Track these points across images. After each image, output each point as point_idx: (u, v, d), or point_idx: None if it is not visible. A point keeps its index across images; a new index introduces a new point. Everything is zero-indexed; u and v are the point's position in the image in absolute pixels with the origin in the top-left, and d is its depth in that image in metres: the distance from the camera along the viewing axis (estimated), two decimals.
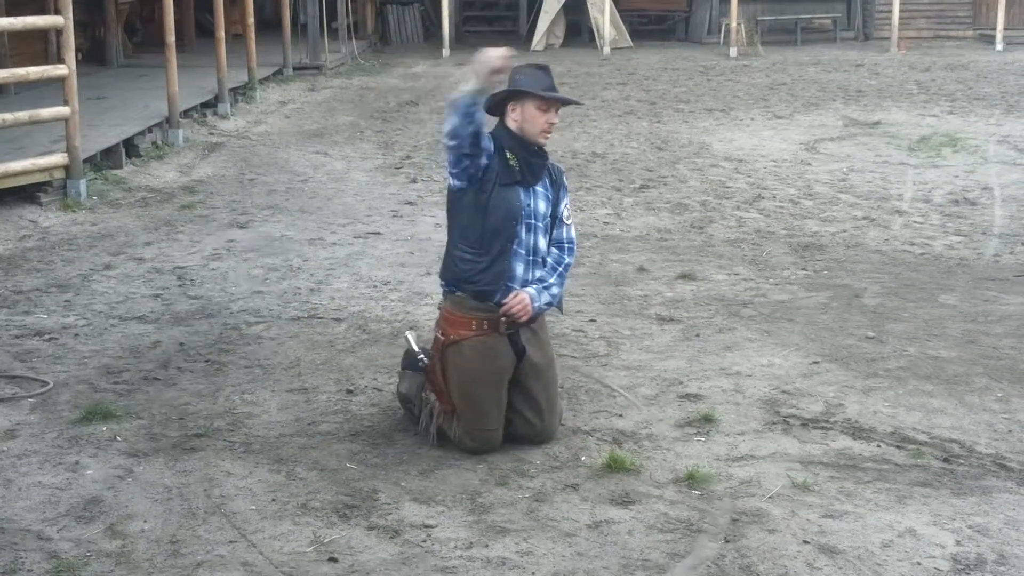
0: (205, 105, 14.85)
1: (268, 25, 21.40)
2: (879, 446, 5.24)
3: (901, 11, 22.73)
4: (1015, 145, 13.02)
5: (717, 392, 5.89)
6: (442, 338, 5.17)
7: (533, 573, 4.18)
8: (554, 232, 5.31)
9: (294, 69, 19.39)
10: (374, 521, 4.54)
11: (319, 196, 10.79)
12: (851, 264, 8.40)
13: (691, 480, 4.88)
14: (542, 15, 24.14)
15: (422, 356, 5.30)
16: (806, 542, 4.38)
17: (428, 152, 12.97)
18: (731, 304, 7.42)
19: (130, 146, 12.00)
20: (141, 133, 12.35)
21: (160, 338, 6.76)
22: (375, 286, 7.83)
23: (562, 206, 5.31)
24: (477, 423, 5.13)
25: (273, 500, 4.72)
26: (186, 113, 13.90)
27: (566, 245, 5.37)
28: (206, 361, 6.38)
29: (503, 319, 5.11)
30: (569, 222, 5.39)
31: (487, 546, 4.35)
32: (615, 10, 23.65)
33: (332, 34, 21.06)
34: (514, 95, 5.11)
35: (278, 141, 13.73)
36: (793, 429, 5.43)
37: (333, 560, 4.25)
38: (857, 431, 5.40)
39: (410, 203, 10.48)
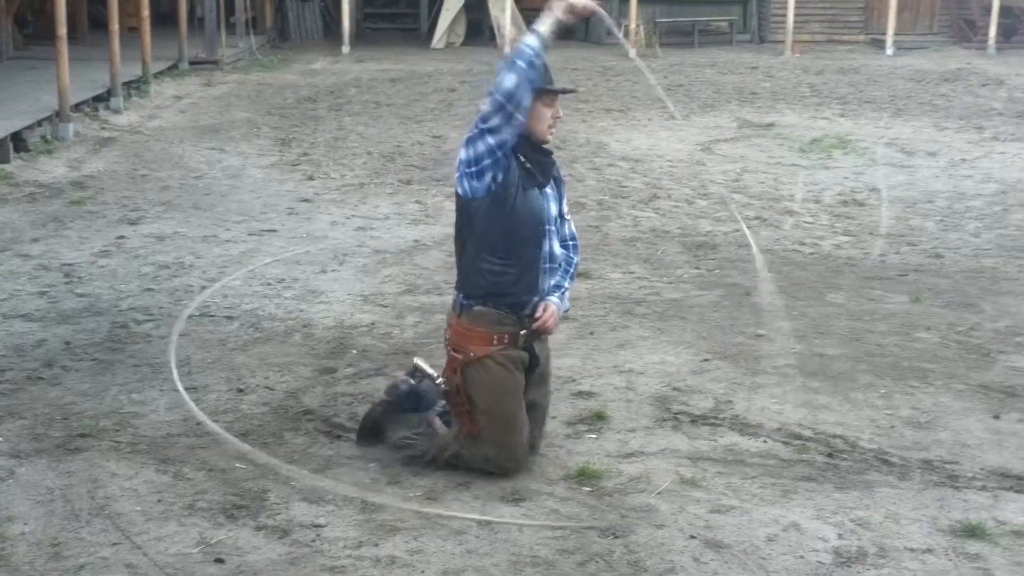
0: (97, 99, 14.56)
1: (164, 18, 21.03)
2: (765, 442, 5.33)
3: (795, 15, 23.15)
4: (902, 148, 13.34)
5: (610, 389, 5.94)
6: (460, 356, 4.84)
7: (423, 571, 4.18)
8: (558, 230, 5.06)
9: (190, 64, 19.09)
10: (263, 521, 4.50)
11: (213, 193, 10.64)
12: (742, 263, 8.53)
13: (582, 477, 4.92)
14: (443, 13, 24.11)
15: (441, 380, 4.94)
16: (693, 537, 4.44)
17: (326, 149, 12.87)
18: (625, 302, 7.49)
19: (18, 140, 11.72)
20: (30, 127, 12.07)
21: (45, 336, 6.61)
22: (269, 284, 7.75)
23: (564, 202, 5.07)
24: (507, 439, 4.84)
25: (159, 501, 4.65)
26: (77, 107, 13.61)
27: (570, 243, 5.12)
28: (93, 360, 6.25)
29: (523, 333, 4.87)
30: (569, 217, 5.15)
31: (377, 545, 4.34)
32: (516, 9, 23.72)
33: (230, 29, 20.80)
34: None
35: (172, 136, 13.51)
36: (683, 426, 5.50)
37: (220, 561, 4.20)
38: (744, 427, 5.49)
39: (307, 200, 10.39)
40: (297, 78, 18.97)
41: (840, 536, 4.47)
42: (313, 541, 4.36)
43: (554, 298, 4.95)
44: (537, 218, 4.81)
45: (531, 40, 4.52)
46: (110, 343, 6.52)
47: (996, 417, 5.65)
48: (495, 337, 4.82)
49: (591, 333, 6.85)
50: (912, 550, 4.36)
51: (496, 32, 23.47)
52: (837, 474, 5.01)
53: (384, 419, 5.12)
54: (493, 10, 23.70)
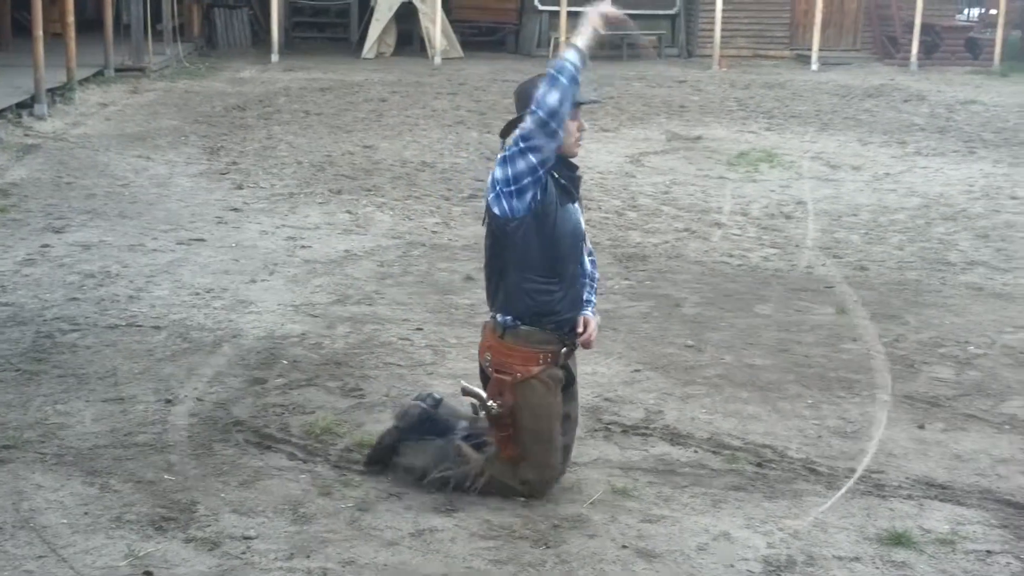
0: (21, 106, 14.30)
1: (89, 25, 20.73)
2: (696, 451, 5.38)
3: (722, 30, 23.41)
4: (828, 161, 13.54)
5: None
6: (508, 378, 4.73)
7: None
8: None
9: (116, 71, 18.83)
10: (192, 533, 4.44)
11: (140, 201, 10.51)
12: (672, 274, 8.60)
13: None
14: (373, 23, 24.04)
15: (492, 403, 4.75)
16: (625, 546, 4.47)
17: (255, 158, 12.77)
18: None
19: None
20: None
21: None
22: (197, 294, 7.67)
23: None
24: (547, 459, 4.79)
25: (86, 513, 4.57)
26: (0, 114, 13.36)
27: (592, 257, 5.08)
28: (17, 370, 6.14)
29: (564, 351, 4.83)
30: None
31: (308, 556, 4.30)
32: (446, 20, 23.73)
33: (156, 36, 20.55)
34: None
35: (98, 144, 13.32)
36: (614, 436, 5.53)
37: (148, 574, 4.14)
38: (675, 437, 5.53)
39: (236, 209, 10.29)
40: (225, 86, 18.80)
41: (770, 545, 4.52)
42: (243, 553, 4.32)
43: (589, 312, 4.91)
44: (576, 234, 4.78)
45: (571, 55, 4.43)
46: (34, 353, 6.41)
47: (921, 427, 5.75)
48: (541, 356, 4.75)
49: None
50: (840, 558, 4.42)
51: (426, 43, 23.46)
52: (766, 483, 5.07)
53: (400, 446, 5.00)
54: (423, 21, 23.68)
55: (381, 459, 5.03)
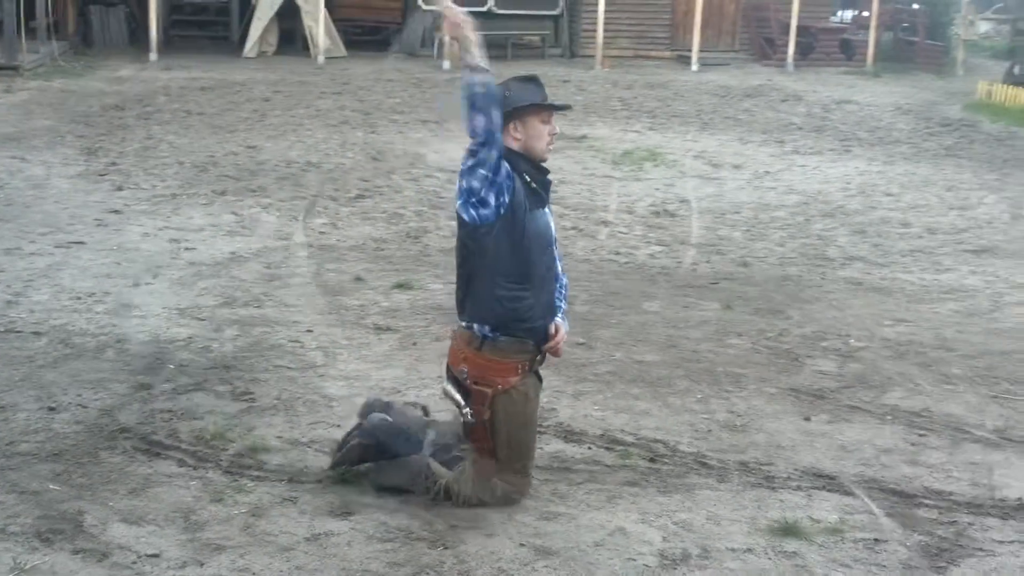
0: None
1: None
2: (590, 448, 5.42)
3: (605, 31, 23.61)
4: (710, 160, 13.76)
5: (435, 401, 5.91)
6: (489, 390, 4.69)
7: None
8: None
9: None
10: (80, 544, 4.33)
11: (16, 203, 10.20)
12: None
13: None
14: (255, 21, 23.68)
15: (466, 410, 4.73)
16: (522, 545, 4.48)
17: (135, 158, 12.48)
18: (448, 313, 7.45)
19: None
20: None
21: None
22: (79, 298, 7.47)
23: None
24: (524, 467, 4.82)
25: None
26: None
27: (560, 262, 5.04)
28: None
29: (538, 358, 4.83)
30: None
31: (202, 565, 4.23)
32: (329, 19, 23.51)
33: (30, 33, 19.96)
34: (515, 113, 4.67)
35: None
36: None
37: None
38: (569, 434, 5.56)
39: (116, 211, 10.05)
40: (103, 85, 18.35)
41: (664, 539, 4.57)
42: (134, 563, 4.22)
43: (559, 319, 4.87)
44: (546, 238, 4.77)
45: (470, 76, 4.41)
46: None
47: (807, 419, 5.88)
48: (519, 366, 4.73)
49: (414, 344, 6.84)
50: (733, 550, 4.50)
51: (309, 42, 23.22)
52: (659, 478, 5.12)
53: (375, 465, 4.93)
54: (306, 19, 23.42)
55: (348, 463, 4.98)
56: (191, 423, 5.50)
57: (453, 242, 9.33)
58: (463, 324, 4.77)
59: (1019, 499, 4.98)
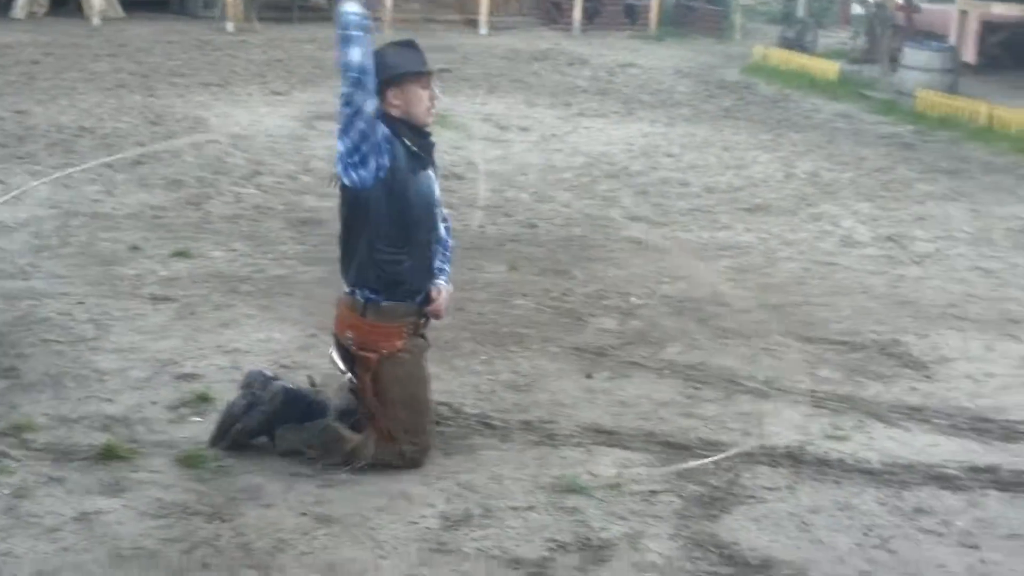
0: None
1: None
2: None
3: None
4: (497, 123, 13.80)
5: (214, 370, 5.79)
6: (374, 355, 4.68)
7: (14, 574, 3.89)
8: None
9: None
10: None
11: None
12: None
13: (187, 462, 4.76)
14: None
15: (348, 375, 4.77)
16: (303, 513, 4.41)
17: None
18: (229, 280, 7.32)
19: None
20: None
21: None
22: None
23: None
24: (423, 426, 4.82)
25: None
26: None
27: (446, 224, 5.05)
28: None
29: (423, 320, 4.83)
30: None
31: None
32: None
33: None
34: (394, 80, 4.62)
35: None
36: None
37: None
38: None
39: None
40: None
41: (447, 500, 4.58)
42: None
43: (442, 281, 4.89)
44: (429, 200, 4.75)
45: (350, 6, 4.39)
46: None
47: (588, 376, 5.97)
48: (404, 329, 4.73)
49: (192, 314, 6.64)
50: (515, 508, 4.54)
51: (83, 3, 22.22)
52: (443, 440, 5.11)
53: (276, 432, 4.84)
54: None
55: (229, 439, 4.87)
56: None
57: (237, 209, 9.17)
58: (346, 290, 4.77)
59: (787, 447, 5.18)
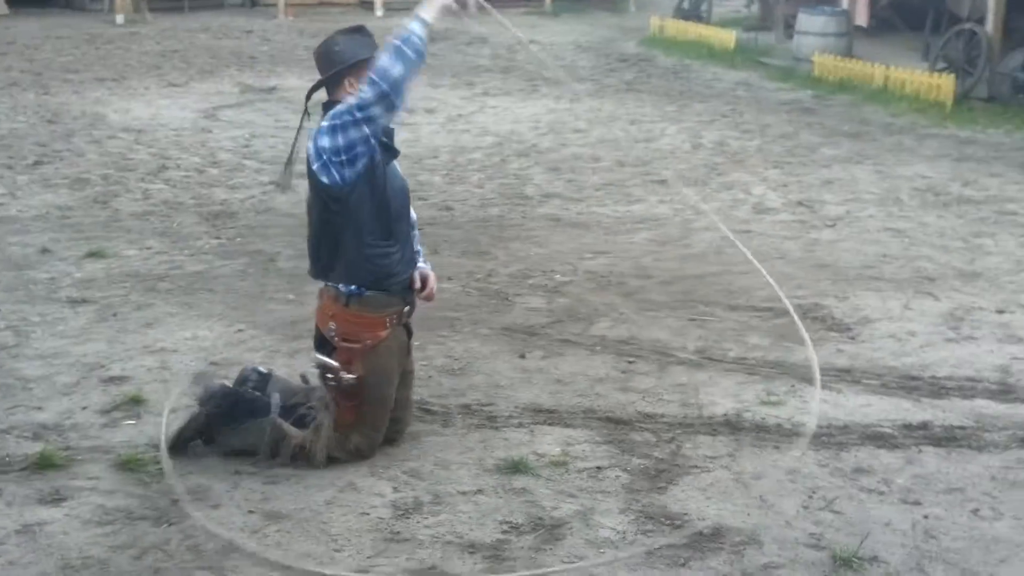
0: None
1: None
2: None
3: None
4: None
5: (143, 371, 5.68)
6: (358, 346, 4.62)
7: None
8: None
9: None
10: None
11: None
12: (263, 229, 8.44)
13: (126, 466, 4.67)
14: None
15: (344, 374, 4.64)
16: (251, 512, 4.35)
17: None
18: (146, 279, 7.18)
19: None
20: None
21: None
22: None
23: None
24: (382, 422, 4.77)
25: None
26: None
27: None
28: None
29: (407, 309, 4.80)
30: None
31: None
32: None
33: None
34: (351, 68, 4.54)
35: None
36: None
37: None
38: None
39: None
40: None
41: (395, 489, 4.55)
42: None
43: (423, 264, 4.92)
44: (404, 191, 4.76)
45: (418, 28, 4.37)
46: None
47: (522, 356, 5.98)
48: (387, 319, 4.69)
49: (114, 315, 6.51)
50: (464, 493, 4.53)
51: None
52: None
53: (218, 432, 4.74)
54: None
55: (185, 445, 4.79)
56: None
57: (147, 205, 9.01)
58: (328, 283, 4.71)
59: (725, 415, 5.25)
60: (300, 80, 15.33)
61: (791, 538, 4.19)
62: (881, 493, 4.53)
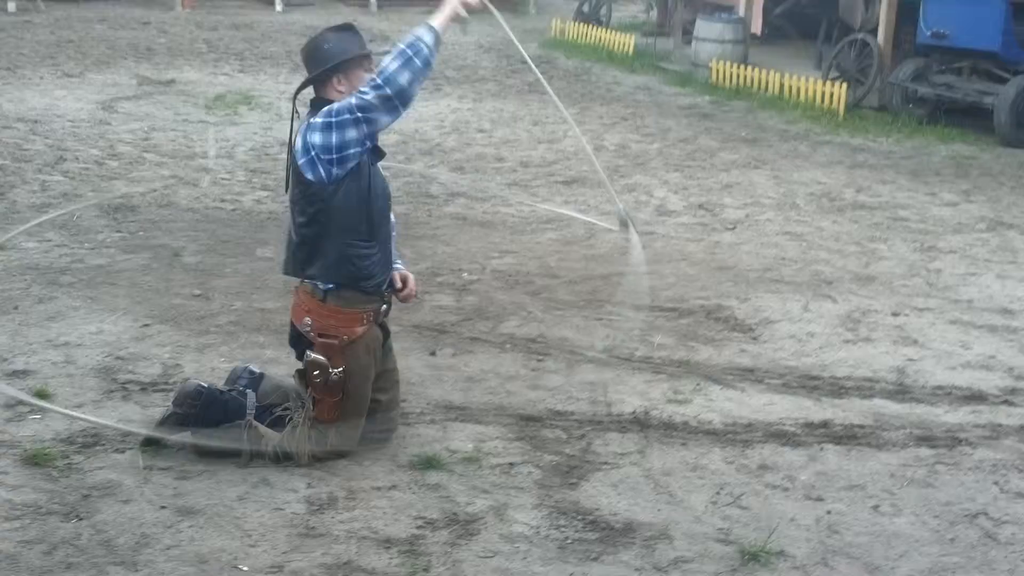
0: None
1: None
2: None
3: None
4: (305, 102, 13.61)
5: (47, 366, 5.59)
6: (336, 341, 4.59)
7: None
8: None
9: None
10: None
11: None
12: (166, 223, 8.34)
13: (33, 460, 4.60)
14: None
15: (334, 370, 4.62)
16: (163, 507, 4.32)
17: None
18: (48, 272, 7.05)
19: None
20: None
21: None
22: None
23: None
24: (359, 420, 4.73)
25: None
26: None
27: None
28: None
29: (384, 308, 4.80)
30: None
31: None
32: None
33: None
34: (340, 66, 4.53)
35: None
36: (133, 395, 5.31)
37: None
38: None
39: None
40: None
41: (309, 485, 4.55)
42: None
43: (400, 265, 4.95)
44: (386, 191, 4.73)
45: (428, 37, 4.39)
46: None
47: (432, 354, 6.02)
48: (364, 316, 4.67)
49: (16, 308, 6.38)
50: (378, 488, 4.55)
51: None
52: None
53: (193, 432, 4.66)
54: None
55: (158, 443, 4.74)
56: None
57: (44, 197, 8.83)
58: (304, 280, 4.67)
59: (633, 412, 5.35)
60: (199, 73, 15.17)
61: (700, 533, 4.29)
62: (786, 489, 4.66)
